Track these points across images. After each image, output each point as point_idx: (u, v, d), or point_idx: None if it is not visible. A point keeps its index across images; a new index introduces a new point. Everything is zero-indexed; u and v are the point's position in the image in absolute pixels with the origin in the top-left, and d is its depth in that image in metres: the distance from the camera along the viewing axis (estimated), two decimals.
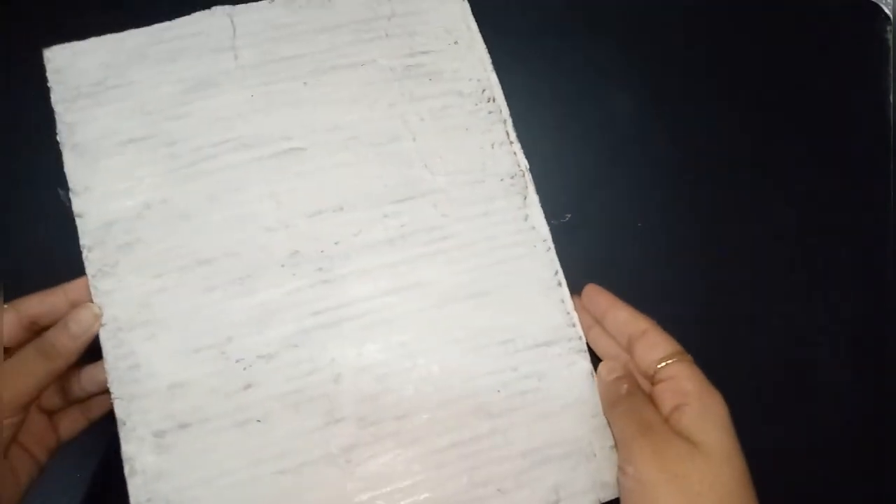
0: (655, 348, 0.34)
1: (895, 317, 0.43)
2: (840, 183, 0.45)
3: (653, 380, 0.34)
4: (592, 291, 0.37)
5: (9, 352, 0.33)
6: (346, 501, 0.34)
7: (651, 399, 0.34)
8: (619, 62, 0.45)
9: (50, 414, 0.36)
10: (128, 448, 0.34)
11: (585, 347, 0.37)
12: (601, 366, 0.36)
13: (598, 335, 0.37)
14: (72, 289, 0.35)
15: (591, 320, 0.38)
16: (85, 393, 0.36)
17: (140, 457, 0.34)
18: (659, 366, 0.33)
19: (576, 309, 0.38)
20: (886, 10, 0.47)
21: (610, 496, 0.35)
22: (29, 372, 0.32)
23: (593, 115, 0.44)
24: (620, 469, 0.33)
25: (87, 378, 0.36)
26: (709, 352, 0.36)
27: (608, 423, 0.36)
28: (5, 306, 0.34)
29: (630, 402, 0.33)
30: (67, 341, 0.34)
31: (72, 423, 0.36)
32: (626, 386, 0.34)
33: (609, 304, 0.36)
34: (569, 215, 0.41)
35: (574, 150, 0.43)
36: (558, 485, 0.35)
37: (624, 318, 0.36)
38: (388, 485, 0.34)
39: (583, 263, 0.39)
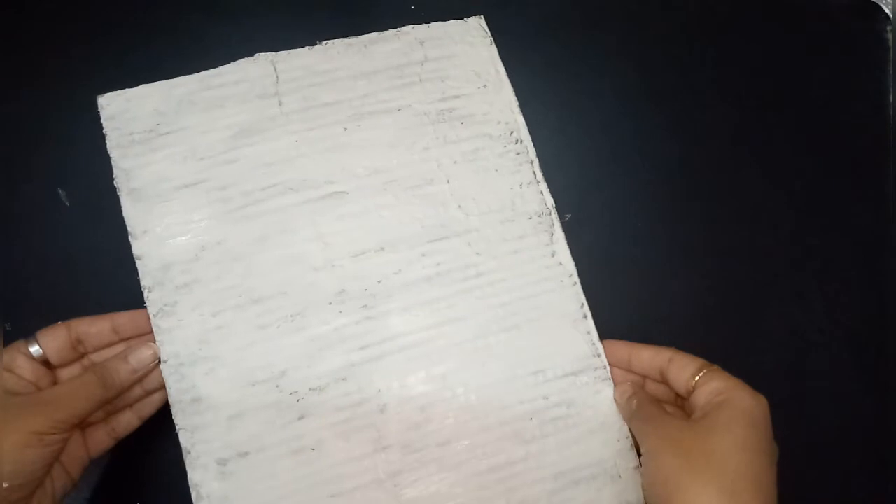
0: (686, 368, 0.37)
1: (895, 317, 0.43)
2: (840, 183, 0.45)
3: (691, 393, 0.37)
4: (609, 345, 0.41)
5: (58, 368, 0.37)
6: None
7: (689, 405, 0.37)
8: (619, 62, 0.45)
9: (84, 430, 0.37)
10: (194, 475, 0.37)
11: (610, 376, 0.41)
12: (614, 391, 0.40)
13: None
14: (117, 318, 0.38)
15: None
16: (134, 398, 0.38)
17: (205, 484, 0.37)
18: (694, 380, 0.36)
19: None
20: (886, 10, 0.46)
21: None
22: (87, 396, 0.35)
23: (593, 115, 0.45)
24: (641, 459, 0.36)
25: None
26: (709, 352, 0.37)
27: (632, 431, 0.39)
28: (59, 323, 0.37)
29: (640, 409, 0.37)
30: (126, 375, 0.37)
31: (99, 444, 0.37)
32: (635, 401, 0.38)
33: (629, 350, 0.40)
34: (569, 215, 0.42)
35: (574, 150, 0.44)
36: None
37: (648, 355, 0.39)
38: None
39: (583, 263, 0.41)
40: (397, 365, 0.39)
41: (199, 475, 0.37)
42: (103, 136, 0.40)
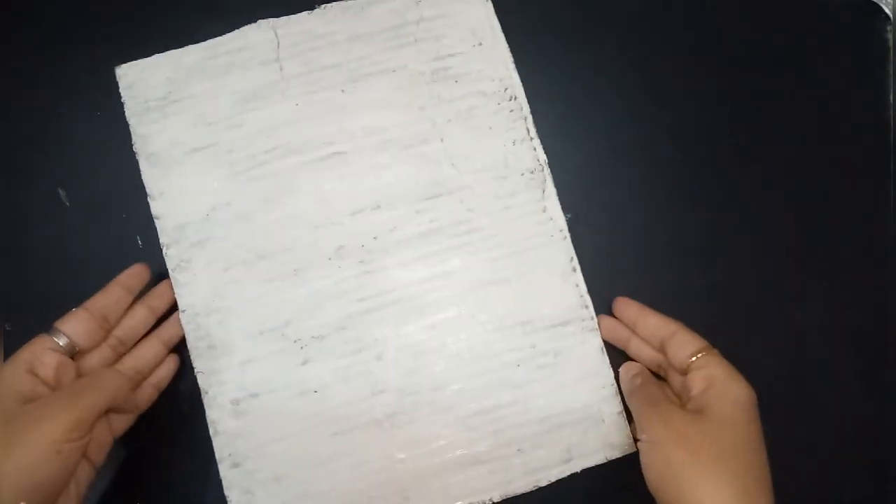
0: (686, 346, 0.38)
1: (895, 317, 0.43)
2: (840, 183, 0.45)
3: (686, 372, 0.38)
4: (622, 303, 0.42)
5: (87, 353, 0.38)
6: (390, 458, 0.41)
7: (684, 386, 0.38)
8: (620, 63, 0.45)
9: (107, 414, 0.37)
10: (211, 413, 0.41)
11: (597, 326, 0.42)
12: (621, 368, 0.41)
13: (638, 346, 0.42)
14: (124, 279, 0.40)
15: (629, 333, 0.42)
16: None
17: (222, 420, 0.41)
18: (691, 360, 0.37)
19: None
20: (886, 10, 0.46)
21: (617, 455, 0.41)
22: (110, 387, 0.36)
23: (593, 115, 0.45)
24: (639, 440, 0.37)
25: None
26: None
27: (630, 409, 0.40)
28: (74, 310, 0.38)
29: (642, 388, 0.39)
30: (151, 391, 0.40)
31: (121, 422, 0.38)
32: (639, 379, 0.40)
33: (639, 313, 0.41)
34: (569, 215, 0.43)
35: (574, 150, 0.44)
36: (571, 446, 0.41)
37: (654, 323, 0.40)
38: (425, 444, 0.41)
39: (583, 263, 0.42)
40: (393, 316, 0.42)
41: (216, 413, 0.41)
42: (105, 136, 0.43)
